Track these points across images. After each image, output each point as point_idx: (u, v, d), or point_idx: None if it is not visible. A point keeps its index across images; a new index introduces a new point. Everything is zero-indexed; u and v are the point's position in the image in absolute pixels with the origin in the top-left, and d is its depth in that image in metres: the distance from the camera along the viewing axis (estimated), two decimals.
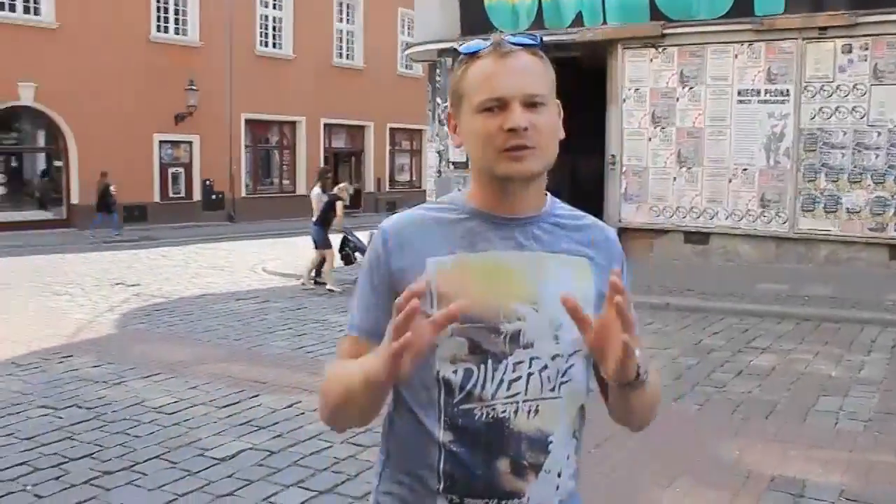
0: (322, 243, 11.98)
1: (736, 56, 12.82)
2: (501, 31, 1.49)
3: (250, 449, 4.86)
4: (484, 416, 1.42)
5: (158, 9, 23.61)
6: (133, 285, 12.09)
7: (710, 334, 8.33)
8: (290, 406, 5.73)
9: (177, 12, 24.14)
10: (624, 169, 13.68)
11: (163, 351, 7.62)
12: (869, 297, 9.86)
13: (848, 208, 12.18)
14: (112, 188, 20.30)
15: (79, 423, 5.35)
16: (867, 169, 12.04)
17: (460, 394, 1.43)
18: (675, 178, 13.30)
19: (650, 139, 13.48)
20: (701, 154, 13.06)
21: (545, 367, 1.44)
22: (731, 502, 4.11)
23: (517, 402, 1.43)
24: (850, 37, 12.01)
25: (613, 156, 13.74)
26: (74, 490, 4.26)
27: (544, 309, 1.44)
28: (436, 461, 1.45)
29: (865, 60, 11.97)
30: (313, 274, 12.25)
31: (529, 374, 1.44)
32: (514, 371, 1.43)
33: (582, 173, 16.08)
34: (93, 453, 4.77)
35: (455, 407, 1.43)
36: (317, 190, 12.58)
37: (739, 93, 12.82)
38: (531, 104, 1.41)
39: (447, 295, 1.41)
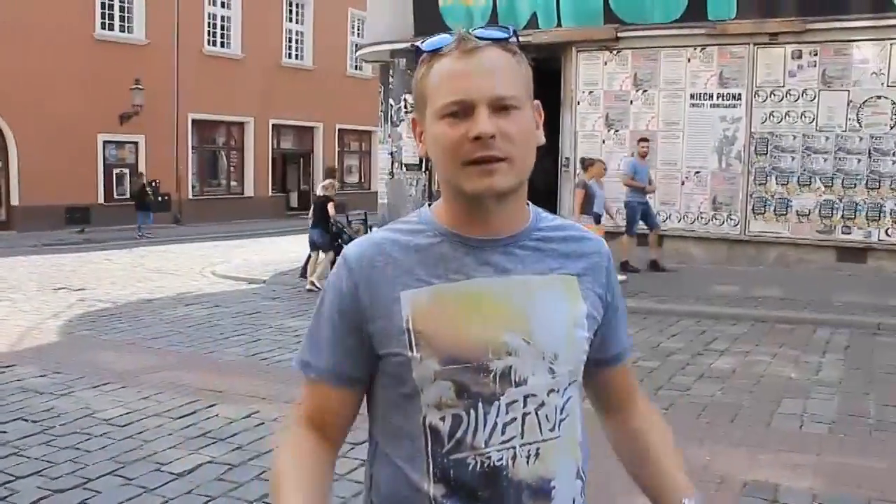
0: (326, 245, 11.70)
1: (689, 60, 12.95)
2: (463, 27, 1.32)
3: (209, 462, 4.67)
4: (478, 465, 1.27)
5: (104, 6, 22.98)
6: (78, 290, 11.72)
7: (669, 336, 8.34)
8: (248, 416, 5.54)
9: (122, 10, 23.55)
10: (578, 171, 13.68)
11: (111, 359, 7.35)
12: (819, 298, 10.00)
13: (797, 211, 12.37)
14: (148, 186, 21.47)
15: (25, 437, 5.09)
16: (816, 173, 12.24)
17: (450, 442, 1.27)
18: None
19: (604, 142, 13.53)
20: (654, 157, 13.13)
21: (542, 404, 1.30)
22: None
23: (514, 448, 1.28)
24: (800, 43, 12.21)
25: (567, 158, 13.75)
26: None
27: (536, 340, 1.29)
28: None
29: (815, 66, 12.18)
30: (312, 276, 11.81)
31: (525, 415, 1.29)
32: (507, 412, 1.28)
33: (536, 175, 16.05)
34: (41, 470, 4.53)
35: (445, 457, 1.27)
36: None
37: (692, 96, 12.95)
38: (501, 108, 1.24)
39: (426, 333, 1.27)
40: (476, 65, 1.25)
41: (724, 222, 12.83)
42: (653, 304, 9.95)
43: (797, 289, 10.67)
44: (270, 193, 28.39)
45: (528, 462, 1.29)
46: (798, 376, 6.71)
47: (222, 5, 26.36)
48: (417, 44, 1.32)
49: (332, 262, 11.58)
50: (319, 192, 12.24)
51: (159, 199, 23.51)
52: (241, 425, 5.34)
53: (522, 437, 1.28)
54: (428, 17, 14.23)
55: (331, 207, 11.76)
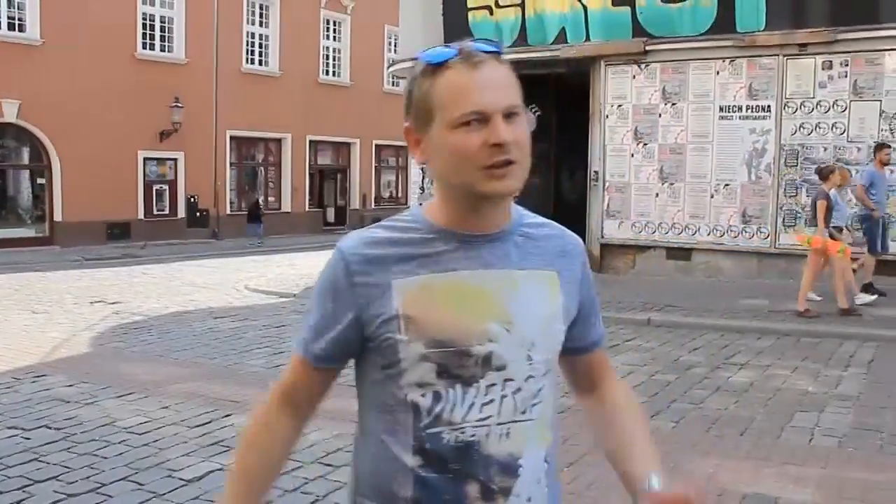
0: None
1: (718, 72, 12.90)
2: (471, 40, 1.42)
3: (219, 470, 4.79)
4: (453, 439, 1.38)
5: (145, 25, 23.59)
6: (113, 303, 12.00)
7: (690, 350, 8.31)
8: None
9: (163, 29, 24.13)
10: (607, 185, 13.70)
11: (138, 370, 7.54)
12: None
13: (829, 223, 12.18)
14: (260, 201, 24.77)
15: (46, 444, 5.27)
16: (847, 184, 12.07)
17: (428, 417, 1.39)
18: (657, 195, 13.34)
19: (633, 155, 13.52)
20: (683, 170, 13.10)
21: (519, 389, 1.41)
22: None
23: (489, 426, 1.39)
24: (830, 53, 12.10)
25: (596, 172, 13.76)
26: None
27: (517, 329, 1.40)
28: (404, 486, 1.41)
29: (845, 76, 12.06)
30: None
31: (503, 397, 1.40)
32: (486, 394, 1.39)
33: (566, 189, 16.12)
34: (58, 475, 4.70)
35: (423, 431, 1.39)
36: None
37: (721, 109, 12.89)
38: (510, 115, 1.35)
39: (415, 319, 1.38)
40: (487, 77, 1.35)
41: (753, 235, 12.72)
42: (678, 317, 9.92)
43: (827, 302, 10.52)
44: (307, 208, 28.73)
45: (499, 440, 1.40)
46: (816, 390, 6.65)
47: (260, 24, 26.83)
48: (418, 55, 1.41)
49: None
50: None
51: (197, 213, 23.97)
52: None
53: (498, 417, 1.39)
54: (458, 33, 14.34)
55: None
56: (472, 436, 1.38)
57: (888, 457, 5.02)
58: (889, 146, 10.93)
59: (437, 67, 1.37)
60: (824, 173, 10.08)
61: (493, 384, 1.39)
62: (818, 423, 5.72)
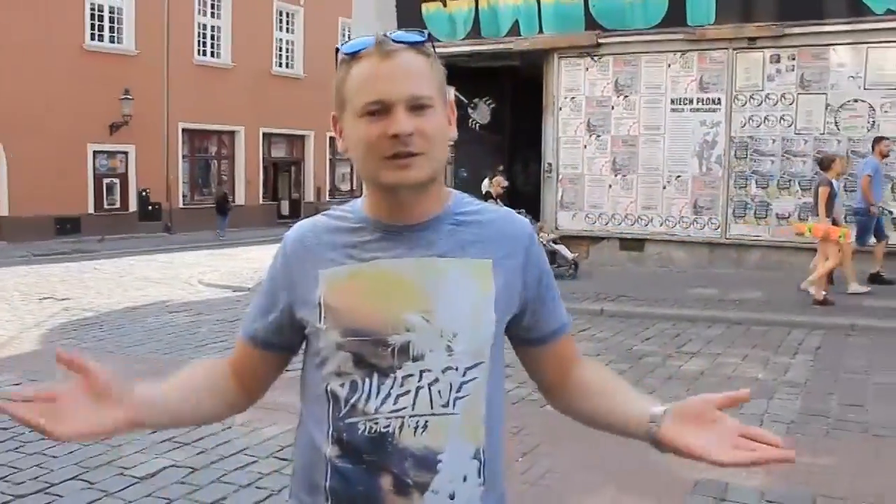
0: None
1: (669, 65, 13.05)
2: (384, 32, 1.40)
3: (172, 466, 4.75)
4: (367, 430, 1.37)
5: (93, 16, 23.13)
6: (63, 299, 11.79)
7: (643, 339, 8.42)
8: None
9: (112, 20, 23.68)
10: (560, 177, 13.80)
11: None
12: (796, 300, 10.07)
13: (777, 214, 12.46)
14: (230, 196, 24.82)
15: None
16: (795, 175, 12.34)
17: (345, 407, 1.39)
18: (610, 186, 13.48)
19: (586, 147, 13.63)
20: (636, 162, 13.25)
21: (436, 380, 1.37)
22: None
23: (403, 417, 1.37)
24: (778, 47, 12.32)
25: (550, 164, 13.86)
26: None
27: (437, 319, 1.37)
28: (324, 477, 1.41)
29: (793, 70, 12.29)
30: None
31: (419, 388, 1.37)
32: (402, 385, 1.37)
33: (520, 181, 16.19)
34: (6, 476, 4.60)
35: (341, 420, 1.39)
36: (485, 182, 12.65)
37: (673, 101, 13.05)
38: (417, 107, 1.33)
39: (335, 308, 1.38)
40: (393, 67, 1.34)
41: (705, 226, 12.92)
42: (631, 307, 10.04)
43: (775, 291, 10.74)
44: (262, 202, 28.47)
45: (415, 432, 1.36)
46: (765, 377, 6.79)
47: (212, 15, 26.49)
48: (338, 46, 1.42)
49: None
50: (484, 187, 12.62)
51: (149, 207, 23.63)
52: (206, 429, 5.39)
53: (413, 409, 1.37)
54: (411, 25, 14.14)
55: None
56: (386, 427, 1.36)
57: (834, 441, 5.15)
58: (888, 138, 11.03)
59: (352, 57, 1.38)
60: (826, 162, 10.08)
61: (410, 375, 1.37)
62: (767, 409, 5.84)
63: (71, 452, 4.98)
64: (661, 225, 13.20)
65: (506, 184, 13.20)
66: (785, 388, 6.41)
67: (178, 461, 4.83)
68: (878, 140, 11.03)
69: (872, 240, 10.97)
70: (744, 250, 12.75)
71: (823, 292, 9.80)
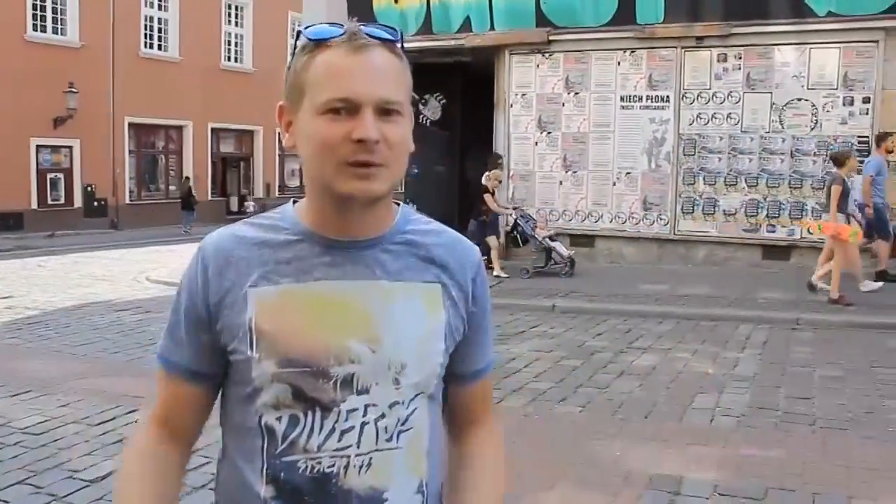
0: (483, 235, 11.89)
1: (619, 63, 13.18)
2: (356, 20, 1.25)
3: None
4: (308, 469, 1.24)
5: (35, 6, 22.57)
6: (5, 297, 11.49)
7: (594, 335, 8.51)
8: None
9: (55, 11, 23.15)
10: (511, 173, 13.86)
11: (34, 367, 7.24)
12: (743, 295, 10.27)
13: (724, 210, 12.69)
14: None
15: None
16: (741, 173, 12.58)
17: (283, 444, 1.25)
18: (560, 183, 13.58)
19: (536, 144, 13.71)
20: (586, 158, 13.36)
21: (382, 415, 1.26)
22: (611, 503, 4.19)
23: (348, 457, 1.25)
24: (725, 46, 12.52)
25: (501, 160, 13.89)
26: None
27: (383, 349, 1.25)
28: None
29: (739, 69, 12.51)
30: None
31: (364, 424, 1.25)
32: (346, 420, 1.24)
33: (471, 177, 16.19)
34: None
35: (277, 458, 1.25)
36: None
37: (622, 98, 13.19)
38: (385, 111, 1.19)
39: (268, 334, 1.23)
40: (366, 64, 1.19)
41: (654, 222, 13.10)
42: (581, 303, 10.13)
43: (723, 286, 10.93)
44: (210, 197, 28.11)
45: (359, 472, 1.26)
46: (715, 372, 6.90)
47: (159, 7, 26.06)
48: (300, 29, 1.26)
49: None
50: (483, 181, 12.46)
51: (95, 203, 23.18)
52: None
53: (358, 447, 1.25)
54: (362, 21, 14.20)
55: (487, 199, 12.09)
56: (330, 467, 1.24)
57: (782, 433, 5.25)
58: (892, 133, 10.77)
59: (317, 45, 1.21)
60: (840, 158, 9.84)
61: (355, 409, 1.24)
62: (718, 403, 5.94)
63: (16, 457, 4.86)
64: (610, 221, 13.34)
65: (503, 178, 13.24)
66: (734, 383, 6.52)
67: None
68: (882, 136, 10.78)
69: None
70: (692, 246, 12.95)
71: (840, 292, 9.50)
